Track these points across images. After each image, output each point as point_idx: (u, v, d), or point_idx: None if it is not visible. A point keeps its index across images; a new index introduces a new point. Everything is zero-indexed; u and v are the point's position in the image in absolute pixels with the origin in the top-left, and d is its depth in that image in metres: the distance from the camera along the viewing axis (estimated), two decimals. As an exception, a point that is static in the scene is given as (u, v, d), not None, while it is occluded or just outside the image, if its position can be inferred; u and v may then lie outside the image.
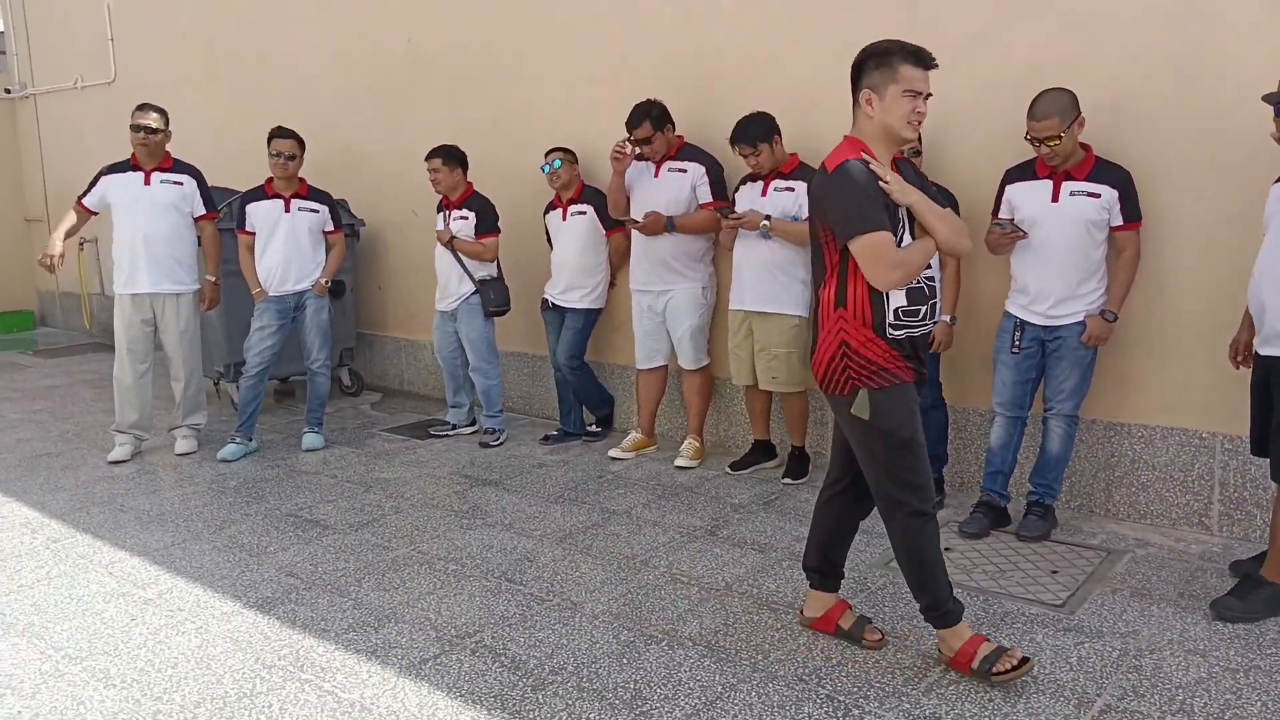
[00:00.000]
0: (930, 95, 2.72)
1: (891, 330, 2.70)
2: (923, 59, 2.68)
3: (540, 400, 6.09)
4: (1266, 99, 3.05)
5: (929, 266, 2.74)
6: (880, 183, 2.63)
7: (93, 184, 5.22)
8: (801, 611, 3.17)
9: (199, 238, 5.30)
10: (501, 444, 5.45)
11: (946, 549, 3.78)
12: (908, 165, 2.87)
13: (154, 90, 8.25)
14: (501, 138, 5.90)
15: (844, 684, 2.78)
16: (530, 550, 3.88)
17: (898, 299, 2.69)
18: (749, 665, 2.91)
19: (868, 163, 2.66)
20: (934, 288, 2.78)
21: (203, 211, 5.30)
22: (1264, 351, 3.15)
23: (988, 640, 2.79)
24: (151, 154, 5.15)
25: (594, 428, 5.57)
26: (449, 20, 6.11)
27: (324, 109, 6.83)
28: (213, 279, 5.34)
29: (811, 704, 2.68)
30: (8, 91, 10.22)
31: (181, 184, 5.22)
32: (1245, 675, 2.77)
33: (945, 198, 4.10)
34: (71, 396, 7.02)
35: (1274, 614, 3.09)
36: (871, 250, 2.61)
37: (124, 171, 5.19)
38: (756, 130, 4.33)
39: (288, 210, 5.23)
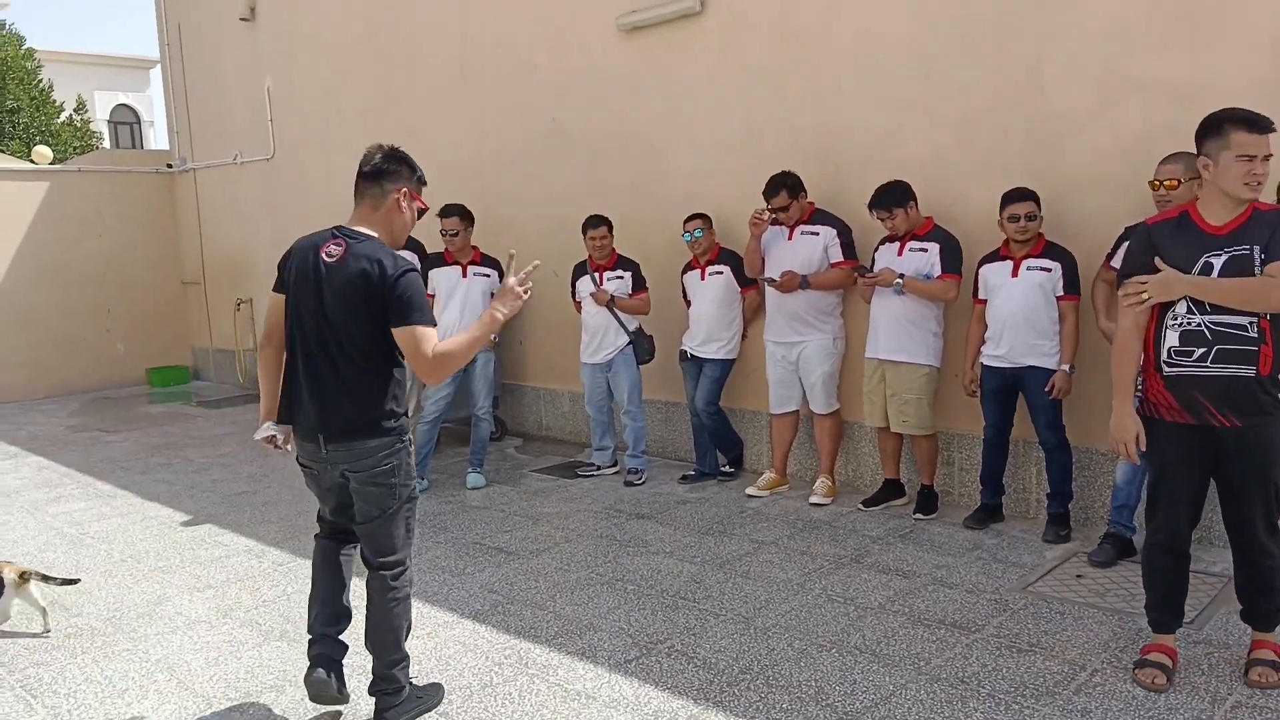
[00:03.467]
0: (1270, 156, 2.80)
1: (1166, 368, 2.98)
2: (1257, 124, 2.80)
3: (673, 443, 6.61)
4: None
5: (1239, 314, 2.83)
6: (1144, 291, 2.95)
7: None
8: None
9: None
10: (644, 483, 5.97)
11: (1078, 576, 4.16)
12: (1263, 217, 2.90)
13: (309, 163, 9.19)
14: (639, 203, 6.52)
15: (1001, 685, 3.19)
16: (695, 574, 4.37)
17: (1171, 339, 2.94)
18: (913, 669, 3.34)
19: (1150, 230, 3.03)
20: (1225, 333, 2.85)
21: None
22: None
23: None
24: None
25: (727, 468, 6.06)
26: (588, 99, 6.79)
27: (468, 176, 7.53)
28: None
29: (975, 700, 3.10)
30: (170, 166, 11.36)
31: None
32: (1368, 682, 3.10)
33: (1065, 257, 4.53)
34: (245, 443, 7.80)
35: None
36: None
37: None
38: (893, 196, 4.83)
39: (465, 275, 5.95)
